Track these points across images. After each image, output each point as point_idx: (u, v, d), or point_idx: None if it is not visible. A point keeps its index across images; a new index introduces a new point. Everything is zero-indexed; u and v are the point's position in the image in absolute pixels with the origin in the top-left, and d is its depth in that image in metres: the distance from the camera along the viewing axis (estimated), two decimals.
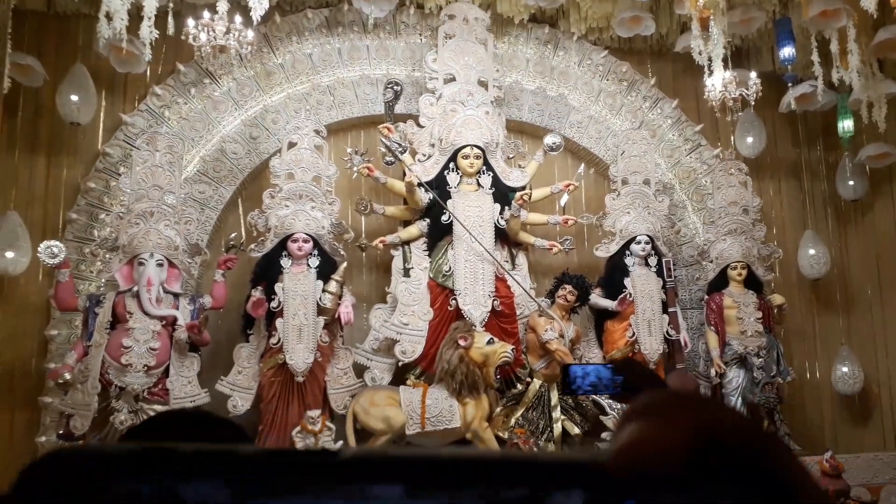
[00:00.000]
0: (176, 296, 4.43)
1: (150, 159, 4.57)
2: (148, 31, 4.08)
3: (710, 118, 6.16)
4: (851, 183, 5.94)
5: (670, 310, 5.10)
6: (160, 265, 4.33)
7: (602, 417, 4.74)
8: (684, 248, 5.79)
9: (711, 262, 5.49)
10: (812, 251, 5.95)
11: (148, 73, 5.22)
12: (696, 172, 5.98)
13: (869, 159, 5.77)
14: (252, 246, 4.70)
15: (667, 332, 5.04)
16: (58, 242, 4.30)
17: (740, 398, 5.14)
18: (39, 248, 4.23)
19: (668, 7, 5.76)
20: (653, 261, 5.15)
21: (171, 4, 4.26)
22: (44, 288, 4.90)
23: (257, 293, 4.51)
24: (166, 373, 4.31)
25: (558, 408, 4.77)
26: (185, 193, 4.74)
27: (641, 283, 5.07)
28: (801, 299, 6.14)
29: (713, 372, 5.20)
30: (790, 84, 5.49)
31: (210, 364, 4.67)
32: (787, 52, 5.19)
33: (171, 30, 4.24)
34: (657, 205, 5.34)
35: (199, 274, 4.88)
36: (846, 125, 5.60)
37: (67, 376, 4.09)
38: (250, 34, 4.22)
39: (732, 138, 6.14)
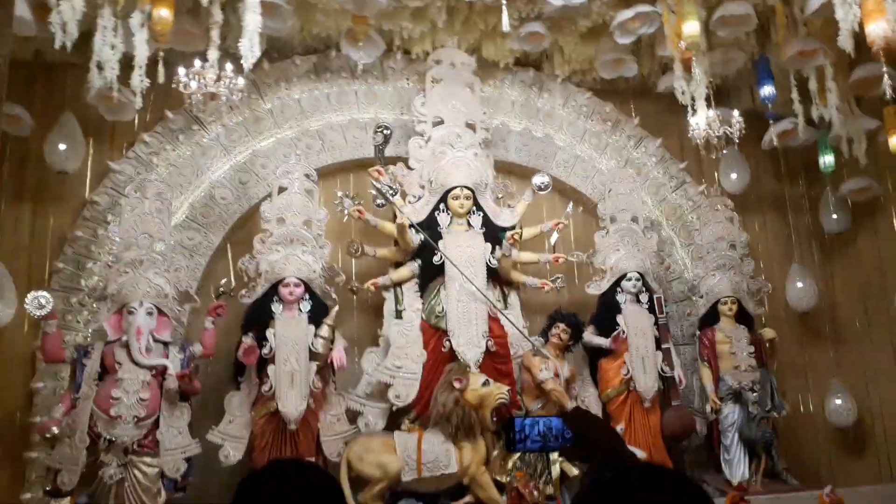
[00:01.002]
0: (166, 344, 4.35)
1: (140, 207, 4.54)
2: (139, 79, 4.09)
3: (694, 155, 6.27)
4: (835, 217, 6.04)
5: (664, 346, 5.10)
6: (150, 314, 4.27)
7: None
8: (674, 284, 5.83)
9: (702, 297, 5.52)
10: (799, 284, 6.01)
11: (136, 120, 5.24)
12: (683, 209, 6.05)
13: (851, 193, 5.88)
14: (242, 292, 4.66)
15: (661, 369, 5.03)
16: (45, 293, 4.22)
17: (736, 434, 5.11)
18: (26, 299, 4.15)
19: (649, 48, 5.90)
20: (644, 297, 5.17)
21: (161, 53, 4.28)
22: (29, 339, 4.81)
23: (248, 340, 4.45)
24: (156, 424, 4.21)
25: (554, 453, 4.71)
26: (174, 240, 4.70)
27: (634, 320, 5.07)
28: (791, 333, 6.17)
29: (709, 408, 5.18)
30: (772, 121, 5.61)
31: (200, 413, 4.57)
32: (768, 90, 5.32)
33: (161, 78, 4.25)
34: (646, 242, 5.39)
35: (188, 321, 4.81)
36: (827, 161, 5.72)
37: (55, 430, 3.98)
38: (241, 81, 4.24)
39: (717, 175, 6.24)
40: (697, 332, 5.46)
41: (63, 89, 5.26)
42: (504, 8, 4.34)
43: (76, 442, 4.01)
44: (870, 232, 6.09)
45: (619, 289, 5.18)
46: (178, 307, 4.49)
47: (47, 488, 4.06)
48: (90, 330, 4.76)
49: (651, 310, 5.14)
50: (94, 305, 4.68)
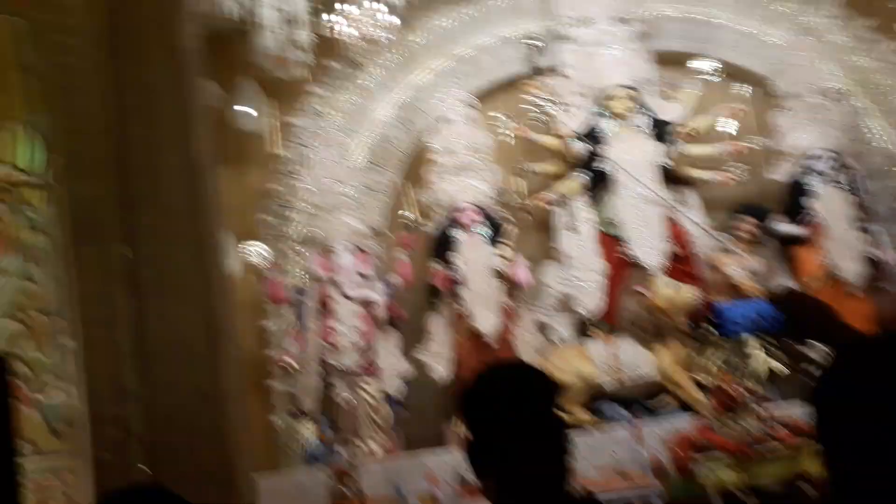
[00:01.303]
0: (368, 278, 4.76)
1: (326, 156, 4.91)
2: (306, 36, 4.36)
3: (884, 11, 5.53)
4: None
5: (867, 227, 4.73)
6: (350, 252, 4.68)
7: (800, 348, 4.53)
8: (872, 158, 5.30)
9: None
10: None
11: (307, 75, 5.56)
12: (874, 72, 5.42)
13: None
14: (425, 222, 4.93)
15: (867, 252, 4.68)
16: (262, 244, 4.75)
17: None
18: (248, 252, 4.68)
19: None
20: (840, 176, 4.79)
21: (320, 6, 4.51)
22: (253, 286, 5.41)
23: (439, 266, 4.75)
24: (374, 350, 4.67)
25: (759, 347, 4.61)
26: (359, 182, 5.04)
27: (829, 203, 4.75)
28: None
29: None
30: None
31: (405, 338, 4.98)
32: None
33: (324, 31, 4.49)
34: (835, 115, 4.93)
35: (384, 254, 5.18)
36: None
37: (291, 361, 4.57)
38: (395, 20, 4.36)
39: None
40: None
41: (237, 57, 5.67)
42: None
43: (310, 371, 4.59)
44: None
45: (807, 170, 4.83)
46: (373, 243, 4.87)
47: (294, 412, 4.70)
48: (302, 272, 5.27)
49: (850, 189, 4.75)
50: (302, 249, 5.14)
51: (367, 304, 4.65)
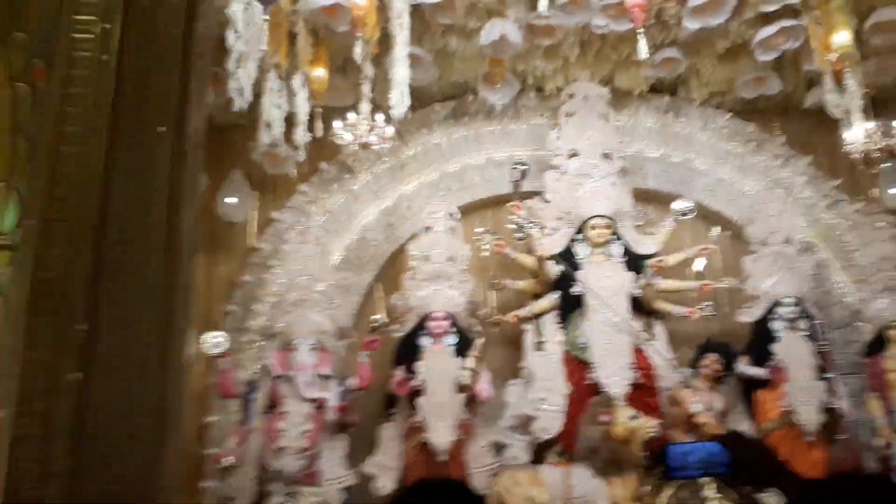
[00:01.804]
0: (326, 378, 4.68)
1: (302, 251, 4.96)
2: (302, 135, 4.52)
3: (847, 172, 5.87)
4: None
5: (826, 376, 4.79)
6: (312, 349, 4.62)
7: (756, 495, 4.45)
8: (834, 309, 5.46)
9: (867, 322, 5.13)
10: None
11: (296, 173, 5.72)
12: (839, 228, 5.68)
13: None
14: (394, 326, 4.92)
15: (826, 401, 4.71)
16: (220, 333, 4.68)
17: None
18: (204, 339, 4.60)
19: (792, 63, 5.67)
20: (802, 324, 4.90)
21: (319, 109, 4.71)
22: (201, 377, 5.28)
23: (400, 372, 4.70)
24: (318, 456, 4.50)
25: (712, 486, 4.53)
26: (332, 281, 5.07)
27: (791, 349, 4.81)
28: None
29: (880, 442, 4.78)
30: None
31: (354, 445, 4.84)
32: None
33: (319, 132, 4.67)
34: (801, 265, 5.11)
35: (345, 356, 5.13)
36: None
37: (230, 461, 4.38)
38: (390, 130, 4.55)
39: (875, 191, 5.81)
40: (864, 361, 5.07)
41: (230, 148, 5.85)
42: (640, 36, 4.37)
43: (248, 472, 4.39)
44: None
45: (773, 315, 4.94)
46: (336, 342, 4.82)
47: None
48: (257, 367, 5.18)
49: (810, 337, 4.85)
50: (261, 343, 5.09)
51: (318, 405, 4.53)
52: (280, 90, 4.71)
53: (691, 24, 5.08)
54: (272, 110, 4.67)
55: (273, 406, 4.54)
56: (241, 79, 4.29)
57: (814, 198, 5.78)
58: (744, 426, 4.88)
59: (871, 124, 4.71)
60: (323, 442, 4.51)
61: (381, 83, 5.04)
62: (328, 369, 4.71)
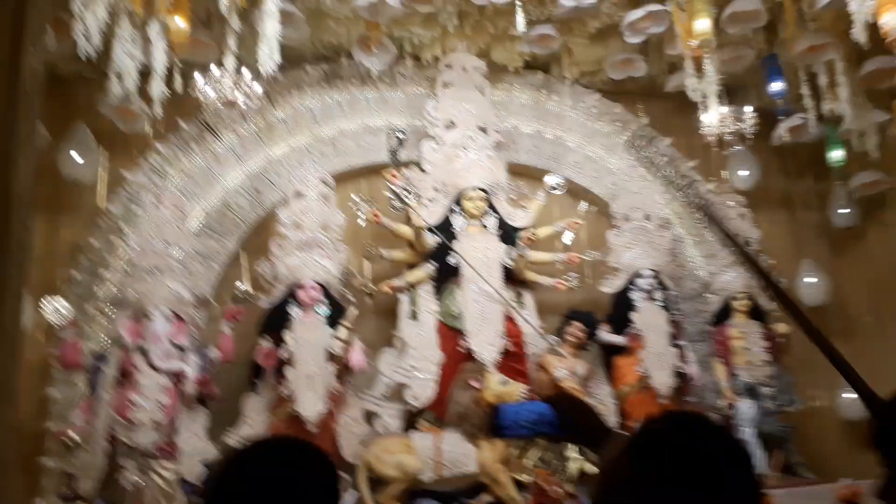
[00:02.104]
0: (183, 349, 4.37)
1: (157, 214, 4.57)
2: (158, 89, 4.13)
3: (702, 154, 6.27)
4: (844, 211, 6.05)
5: (678, 343, 5.11)
6: (168, 319, 4.30)
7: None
8: (686, 282, 5.83)
9: (715, 294, 5.53)
10: (810, 280, 6.02)
11: (150, 131, 5.27)
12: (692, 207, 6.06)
13: (861, 187, 5.90)
14: (261, 296, 4.68)
15: (676, 366, 5.03)
16: (63, 301, 4.25)
17: (753, 429, 5.11)
18: (45, 307, 4.17)
19: (657, 48, 5.94)
20: (658, 295, 5.19)
21: (177, 62, 4.33)
22: (41, 347, 4.81)
23: (266, 343, 4.48)
24: (175, 429, 4.22)
25: (574, 448, 4.71)
26: (190, 247, 4.73)
27: (648, 318, 5.09)
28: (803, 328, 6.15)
29: (723, 404, 5.19)
30: (782, 117, 5.63)
31: (217, 418, 4.59)
32: (777, 86, 5.35)
33: (178, 87, 4.30)
34: (659, 239, 5.41)
35: (205, 327, 4.82)
36: (836, 155, 5.74)
37: (74, 436, 4.00)
38: (258, 88, 4.28)
39: (725, 172, 6.26)
40: (711, 329, 5.47)
41: (76, 102, 5.29)
42: (518, 9, 4.37)
43: (95, 448, 4.02)
44: (879, 226, 6.10)
45: (632, 287, 5.19)
46: (195, 312, 4.51)
47: (66, 494, 4.07)
48: (105, 337, 4.77)
49: (665, 307, 5.15)
50: (111, 312, 4.68)
51: (176, 377, 4.23)
52: (134, 40, 4.30)
53: (566, 2, 5.17)
54: (124, 59, 4.25)
55: (124, 378, 4.18)
56: (87, 21, 3.86)
57: (672, 177, 6.10)
58: (604, 389, 5.12)
59: (725, 109, 5.03)
60: (181, 415, 4.22)
61: (249, 41, 4.75)
62: (185, 340, 4.40)
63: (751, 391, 5.17)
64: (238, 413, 4.58)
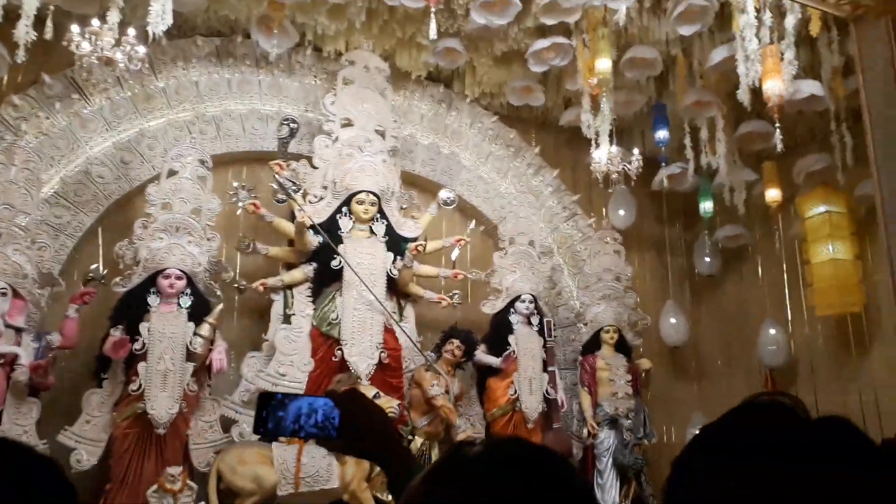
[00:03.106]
0: (18, 330, 3.83)
1: (4, 174, 4.00)
2: (24, 31, 3.62)
3: (585, 189, 6.51)
4: (707, 260, 6.47)
5: (549, 369, 5.19)
6: (3, 294, 3.75)
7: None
8: (560, 310, 5.96)
9: (586, 324, 5.69)
10: (672, 320, 6.35)
11: (5, 79, 4.64)
12: (573, 239, 6.25)
13: (724, 239, 6.33)
14: (117, 279, 4.21)
15: (546, 391, 5.09)
16: None
17: (611, 459, 5.26)
18: None
19: (556, 82, 6.08)
20: (535, 320, 5.24)
21: (51, 8, 3.83)
22: None
23: (118, 333, 4.01)
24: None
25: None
26: (40, 216, 4.17)
27: (525, 342, 5.12)
28: (661, 366, 6.49)
29: (586, 432, 5.31)
30: (663, 164, 5.93)
31: (49, 411, 4.05)
32: (662, 134, 5.62)
33: (49, 34, 3.79)
34: (541, 266, 5.49)
35: (46, 307, 4.26)
36: (707, 206, 6.14)
37: None
38: (142, 50, 3.87)
39: (605, 210, 6.50)
40: (580, 358, 5.60)
41: None
42: (433, 16, 4.28)
43: None
44: (736, 276, 6.58)
45: (512, 310, 5.21)
46: (37, 290, 3.97)
47: None
48: None
49: (541, 332, 5.21)
50: None
51: (7, 362, 3.68)
52: None
53: (478, 18, 5.15)
54: None
55: None
56: None
57: (556, 208, 6.27)
58: (475, 410, 5.08)
59: (615, 149, 5.20)
60: (7, 405, 3.66)
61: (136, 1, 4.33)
62: (21, 320, 3.86)
63: (612, 422, 5.32)
64: (75, 408, 4.06)
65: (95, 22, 3.89)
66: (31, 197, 4.08)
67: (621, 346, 5.63)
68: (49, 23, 3.90)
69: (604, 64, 4.91)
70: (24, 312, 3.87)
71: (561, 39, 5.28)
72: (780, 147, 4.34)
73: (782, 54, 4.26)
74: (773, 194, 5.73)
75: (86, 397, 4.06)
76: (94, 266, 4.28)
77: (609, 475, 5.22)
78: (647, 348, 6.33)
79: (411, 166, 5.73)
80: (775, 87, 4.07)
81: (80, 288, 4.15)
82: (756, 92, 4.38)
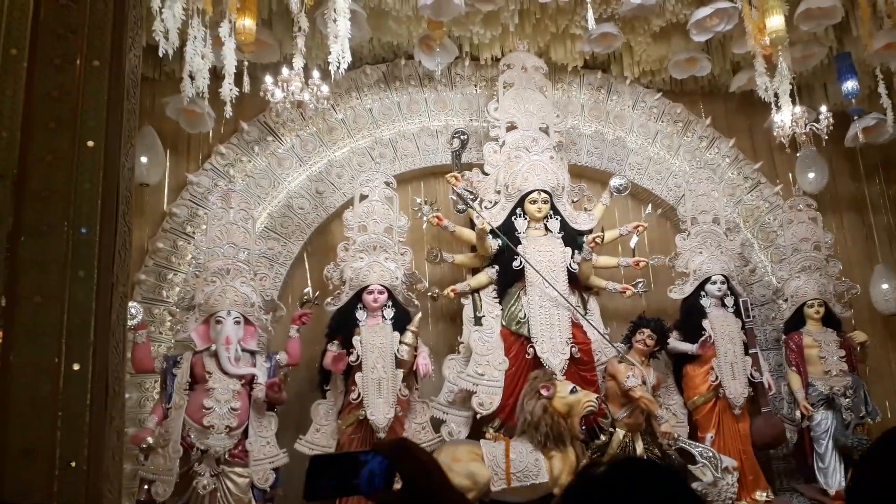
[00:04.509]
0: (252, 353, 4.35)
1: (225, 217, 4.56)
2: (228, 88, 4.11)
3: (766, 155, 6.14)
4: None
5: (751, 351, 4.96)
6: (237, 323, 4.27)
7: (690, 467, 4.55)
8: (756, 288, 5.67)
9: (786, 300, 5.36)
10: (885, 286, 5.81)
11: (210, 133, 5.27)
12: (760, 210, 5.91)
13: None
14: (328, 299, 4.63)
15: (750, 375, 4.88)
16: (135, 303, 4.25)
17: (831, 441, 4.93)
18: None
19: (720, 48, 5.79)
20: (729, 301, 5.03)
21: (246, 63, 4.31)
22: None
23: (335, 347, 4.43)
24: (245, 434, 4.19)
25: (645, 459, 4.58)
26: (258, 250, 4.70)
27: (720, 325, 4.94)
28: (875, 337, 5.93)
29: (799, 415, 5.01)
30: (855, 117, 5.44)
31: (283, 422, 4.55)
32: (850, 85, 5.17)
33: (246, 87, 4.27)
34: (728, 243, 5.25)
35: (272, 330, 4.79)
36: None
37: (150, 440, 3.99)
38: (325, 89, 4.24)
39: (791, 175, 6.08)
40: (783, 337, 5.29)
41: (142, 103, 5.30)
42: (589, 6, 4.27)
43: (170, 452, 4.01)
44: None
45: (702, 293, 5.05)
46: (263, 316, 4.48)
47: (140, 499, 4.06)
48: (174, 340, 4.78)
49: (737, 314, 5.00)
50: (180, 315, 4.66)
51: (247, 382, 4.20)
52: (204, 39, 4.28)
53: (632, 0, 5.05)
54: (196, 60, 4.23)
55: (195, 382, 4.17)
56: (167, 20, 3.83)
57: (737, 179, 5.97)
58: (675, 399, 4.98)
59: (798, 109, 4.86)
60: (251, 420, 4.19)
61: (310, 41, 4.72)
62: (253, 344, 4.38)
63: (828, 402, 4.98)
64: (303, 418, 4.53)
65: (285, 70, 4.31)
66: (248, 234, 4.62)
67: (829, 320, 5.24)
68: (246, 76, 4.39)
69: (776, 21, 4.61)
70: (255, 337, 4.39)
71: (724, 4, 5.03)
72: None
73: None
74: None
75: (314, 408, 4.52)
76: (306, 290, 4.73)
77: (831, 459, 4.89)
78: (859, 319, 5.83)
79: (577, 158, 5.72)
80: None
81: (297, 310, 4.61)
82: None
